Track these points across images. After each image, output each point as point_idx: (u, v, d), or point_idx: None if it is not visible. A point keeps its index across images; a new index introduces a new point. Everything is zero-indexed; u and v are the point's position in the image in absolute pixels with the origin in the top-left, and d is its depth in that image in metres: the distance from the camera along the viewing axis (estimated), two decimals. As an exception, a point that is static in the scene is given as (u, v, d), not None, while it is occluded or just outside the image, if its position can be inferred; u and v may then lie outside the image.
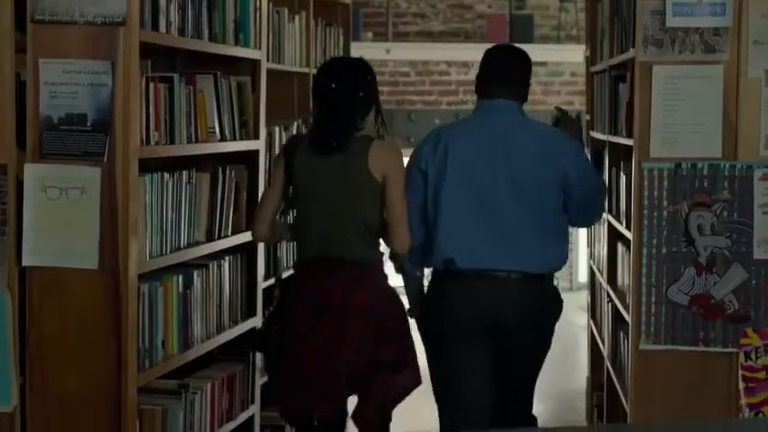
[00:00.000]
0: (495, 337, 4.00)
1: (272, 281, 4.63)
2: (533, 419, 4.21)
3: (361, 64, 4.05)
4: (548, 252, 4.01)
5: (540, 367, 4.15)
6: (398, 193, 3.92)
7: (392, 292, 3.99)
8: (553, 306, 4.09)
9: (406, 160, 4.04)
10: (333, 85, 3.94)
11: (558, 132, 4.19)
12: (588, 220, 4.37)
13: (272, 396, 4.11)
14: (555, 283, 4.10)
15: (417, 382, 4.00)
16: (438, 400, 4.14)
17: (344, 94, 3.93)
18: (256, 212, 4.10)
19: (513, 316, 3.97)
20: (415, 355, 4.00)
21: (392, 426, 4.08)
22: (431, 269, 4.12)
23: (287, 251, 4.99)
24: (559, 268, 4.06)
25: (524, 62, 4.17)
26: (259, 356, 4.42)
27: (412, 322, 4.10)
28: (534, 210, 3.96)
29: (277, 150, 4.72)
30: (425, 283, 4.18)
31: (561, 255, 4.07)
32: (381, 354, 3.90)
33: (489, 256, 3.95)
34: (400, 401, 4.02)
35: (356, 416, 3.96)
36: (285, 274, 4.26)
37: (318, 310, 3.88)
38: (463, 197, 3.97)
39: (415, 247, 4.02)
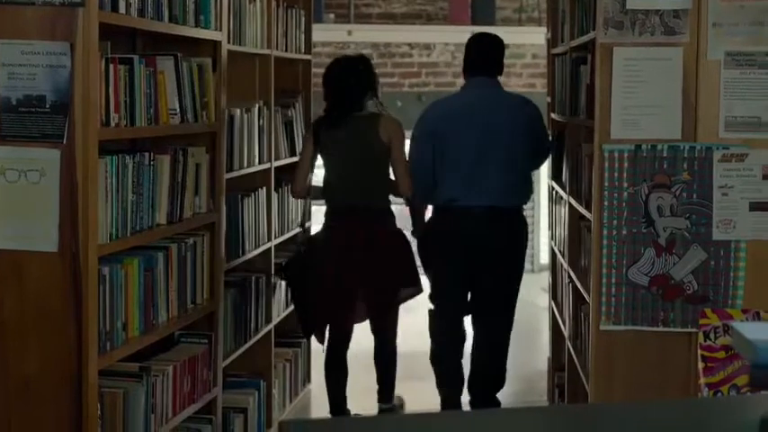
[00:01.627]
0: (478, 253, 5.19)
1: (234, 263, 4.90)
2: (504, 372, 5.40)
3: (356, 60, 5.38)
4: (519, 191, 5.29)
5: (517, 284, 5.34)
6: (401, 154, 5.18)
7: (401, 231, 5.25)
8: (524, 230, 5.37)
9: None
10: (334, 77, 5.20)
11: (526, 99, 5.41)
12: (537, 165, 5.71)
13: (313, 317, 5.28)
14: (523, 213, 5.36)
15: (420, 291, 5.33)
16: (433, 299, 5.40)
17: (342, 83, 5.19)
18: (294, 177, 5.28)
19: (493, 236, 5.17)
20: (419, 275, 5.31)
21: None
22: (432, 206, 5.41)
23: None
24: (526, 202, 5.40)
25: (498, 46, 5.39)
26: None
27: (414, 242, 5.41)
28: (511, 159, 5.18)
29: (236, 131, 4.94)
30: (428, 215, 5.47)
31: (529, 192, 5.39)
32: (395, 275, 5.18)
33: (478, 196, 5.16)
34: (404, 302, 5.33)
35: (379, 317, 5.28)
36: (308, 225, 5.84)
37: (347, 247, 5.08)
38: (461, 153, 5.17)
39: (424, 188, 5.24)
